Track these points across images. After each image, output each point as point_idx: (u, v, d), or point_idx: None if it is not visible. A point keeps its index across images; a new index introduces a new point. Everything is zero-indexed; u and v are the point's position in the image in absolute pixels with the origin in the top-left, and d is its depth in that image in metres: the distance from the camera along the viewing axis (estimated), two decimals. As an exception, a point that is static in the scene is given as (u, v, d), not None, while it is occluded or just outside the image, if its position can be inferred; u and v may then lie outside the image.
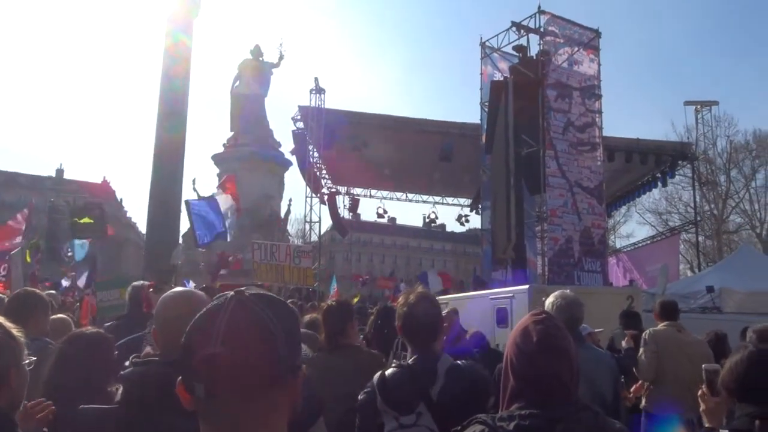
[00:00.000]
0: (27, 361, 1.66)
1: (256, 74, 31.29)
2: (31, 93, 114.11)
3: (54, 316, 4.25)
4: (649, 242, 26.47)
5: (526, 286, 9.15)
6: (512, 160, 10.83)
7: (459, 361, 2.70)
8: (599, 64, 17.28)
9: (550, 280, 14.51)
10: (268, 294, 1.02)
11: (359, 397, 2.61)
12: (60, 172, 62.08)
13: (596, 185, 16.24)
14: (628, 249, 27.26)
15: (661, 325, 5.22)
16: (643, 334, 5.21)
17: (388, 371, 2.58)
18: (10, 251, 8.38)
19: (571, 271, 15.18)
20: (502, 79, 17.29)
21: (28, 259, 11.62)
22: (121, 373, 1.75)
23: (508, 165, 10.66)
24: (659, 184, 23.34)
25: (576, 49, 16.84)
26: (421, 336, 2.62)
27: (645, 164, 21.00)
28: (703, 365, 2.63)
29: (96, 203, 11.18)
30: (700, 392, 2.56)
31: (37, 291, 4.03)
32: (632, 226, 40.87)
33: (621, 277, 22.72)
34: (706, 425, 2.51)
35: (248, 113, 30.69)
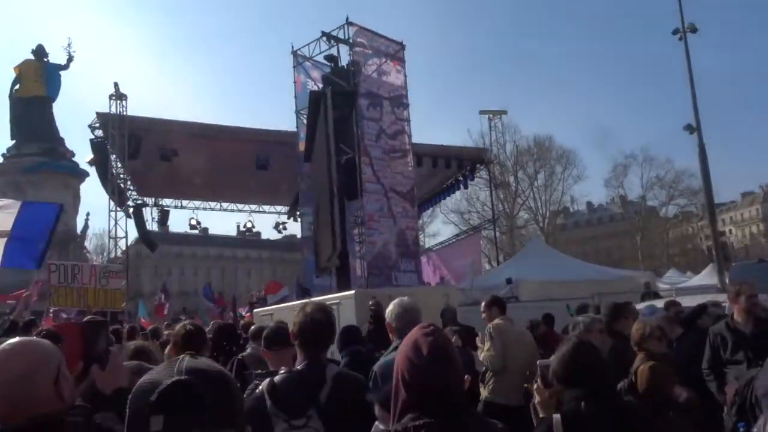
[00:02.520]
0: None
1: (40, 76, 28.14)
2: None
3: None
4: (454, 240, 28.68)
5: (353, 292, 9.36)
6: (335, 169, 11.01)
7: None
8: (405, 75, 18.30)
9: (369, 283, 15.01)
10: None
11: (247, 403, 2.61)
12: None
13: (408, 189, 17.17)
14: (437, 247, 29.24)
15: (497, 320, 5.70)
16: (487, 329, 5.64)
17: (278, 377, 2.68)
18: None
19: (389, 272, 15.86)
20: (315, 88, 17.57)
21: None
22: None
23: (331, 174, 10.82)
24: (461, 186, 25.40)
25: (383, 60, 17.65)
26: (313, 343, 2.78)
27: (449, 168, 22.70)
28: (538, 361, 2.92)
29: None
30: (535, 386, 2.84)
31: None
32: (438, 226, 44.09)
33: (431, 274, 24.29)
34: (541, 415, 2.79)
35: (33, 119, 27.43)
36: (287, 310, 10.60)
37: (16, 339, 1.65)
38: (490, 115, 28.53)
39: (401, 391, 1.70)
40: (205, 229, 56.06)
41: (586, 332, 4.75)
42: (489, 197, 27.76)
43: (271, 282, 19.96)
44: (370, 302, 8.30)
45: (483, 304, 6.26)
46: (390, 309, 3.73)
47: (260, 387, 2.68)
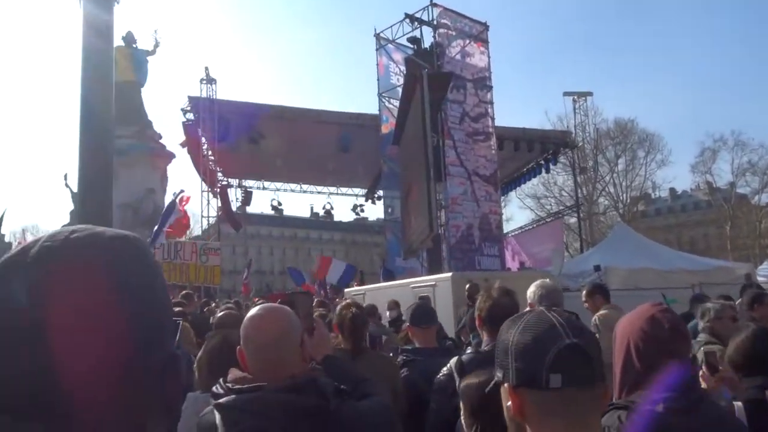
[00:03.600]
0: None
1: (130, 62, 29.41)
2: None
3: None
4: (533, 226, 28.08)
5: (449, 274, 9.34)
6: (431, 152, 11.01)
7: None
8: (489, 57, 17.99)
9: (453, 267, 14.99)
10: None
11: (437, 378, 2.75)
12: None
13: (492, 173, 16.95)
14: (514, 233, 28.73)
15: (604, 309, 5.48)
16: (594, 319, 5.42)
17: (465, 356, 2.76)
18: None
19: (472, 256, 15.77)
20: (398, 70, 17.58)
21: None
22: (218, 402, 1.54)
23: (427, 157, 10.81)
24: (543, 170, 24.76)
25: (467, 41, 17.41)
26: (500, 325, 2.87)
27: (531, 152, 22.20)
28: (703, 348, 2.82)
29: None
30: (701, 372, 2.74)
31: None
32: (512, 210, 43.24)
33: (510, 260, 23.92)
34: None
35: (123, 103, 28.72)
36: (377, 291, 10.74)
37: (265, 305, 1.72)
38: (575, 97, 27.61)
39: (635, 363, 1.71)
40: (280, 210, 57.53)
41: (717, 319, 4.54)
42: (567, 182, 26.98)
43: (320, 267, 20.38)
44: (467, 285, 8.27)
45: (584, 292, 6.06)
46: (532, 290, 3.69)
47: (449, 365, 2.73)
